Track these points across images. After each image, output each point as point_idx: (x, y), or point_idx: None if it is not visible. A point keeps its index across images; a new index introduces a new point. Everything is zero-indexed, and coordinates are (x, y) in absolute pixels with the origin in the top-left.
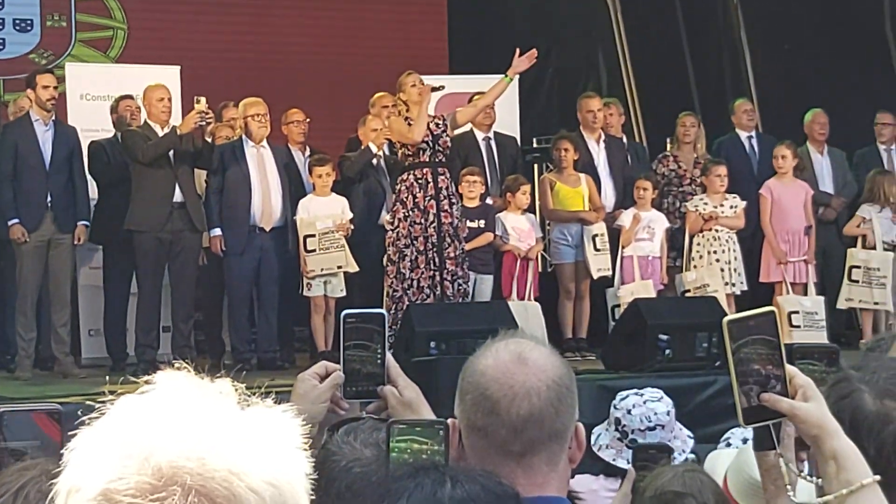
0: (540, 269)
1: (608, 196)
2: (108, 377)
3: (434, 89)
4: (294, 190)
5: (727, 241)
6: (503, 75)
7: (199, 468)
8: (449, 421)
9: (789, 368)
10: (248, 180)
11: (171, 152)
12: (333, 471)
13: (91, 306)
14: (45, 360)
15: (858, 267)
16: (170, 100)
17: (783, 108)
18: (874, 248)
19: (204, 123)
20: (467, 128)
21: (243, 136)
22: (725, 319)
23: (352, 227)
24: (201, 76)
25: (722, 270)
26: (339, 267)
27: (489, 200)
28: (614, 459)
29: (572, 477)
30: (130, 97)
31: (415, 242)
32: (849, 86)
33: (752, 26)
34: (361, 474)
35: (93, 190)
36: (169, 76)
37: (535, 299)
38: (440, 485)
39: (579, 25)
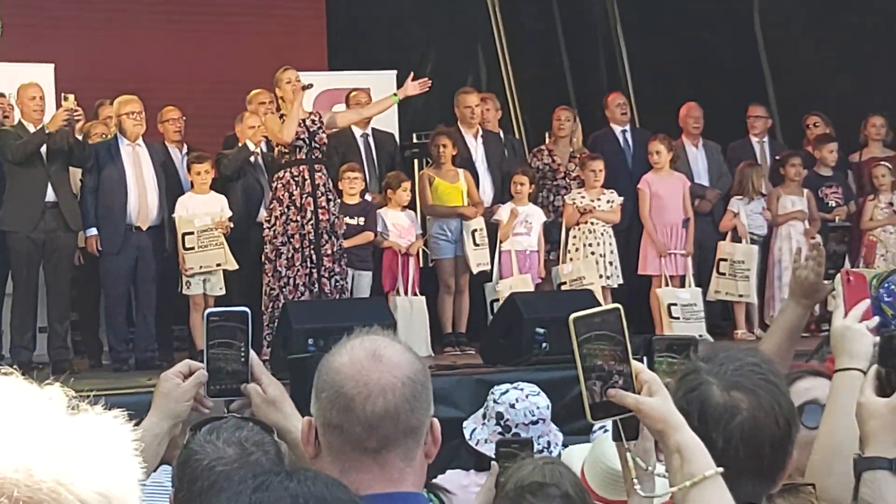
0: (421, 265)
1: (486, 191)
2: None
3: (304, 88)
4: (171, 188)
5: (602, 234)
6: (392, 94)
7: (26, 479)
8: (305, 419)
9: (634, 364)
10: (124, 179)
11: (43, 151)
12: (196, 470)
13: None
14: None
15: (725, 260)
16: (42, 98)
17: (658, 102)
18: (740, 241)
19: (73, 121)
20: None
21: (118, 135)
22: (571, 316)
23: (231, 224)
24: (76, 74)
25: (597, 263)
26: (218, 265)
27: (368, 197)
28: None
29: (444, 472)
30: (2, 95)
31: (291, 240)
32: (721, 79)
33: (627, 21)
34: (224, 473)
35: None
36: (43, 74)
37: (416, 294)
38: (288, 480)
39: (458, 21)
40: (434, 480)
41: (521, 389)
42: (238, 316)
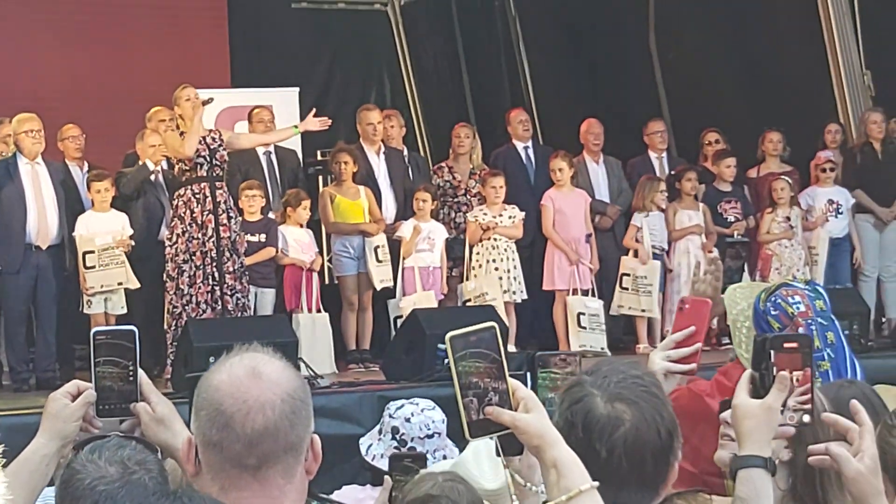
0: (326, 282)
1: (389, 207)
2: None
3: (204, 102)
4: (72, 206)
5: (505, 250)
6: (293, 125)
7: None
8: (185, 437)
9: (510, 381)
10: (23, 198)
11: None
12: (78, 489)
13: None
14: None
15: (628, 275)
16: None
17: (560, 119)
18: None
19: None
20: None
21: (17, 153)
22: (448, 335)
23: (132, 243)
24: None
25: (500, 279)
26: (120, 283)
27: (271, 214)
28: None
29: (339, 488)
30: None
31: (193, 258)
32: (620, 96)
33: (529, 38)
34: (106, 493)
35: None
36: None
37: (318, 311)
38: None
39: (362, 38)
40: (329, 496)
41: (417, 404)
42: (125, 334)
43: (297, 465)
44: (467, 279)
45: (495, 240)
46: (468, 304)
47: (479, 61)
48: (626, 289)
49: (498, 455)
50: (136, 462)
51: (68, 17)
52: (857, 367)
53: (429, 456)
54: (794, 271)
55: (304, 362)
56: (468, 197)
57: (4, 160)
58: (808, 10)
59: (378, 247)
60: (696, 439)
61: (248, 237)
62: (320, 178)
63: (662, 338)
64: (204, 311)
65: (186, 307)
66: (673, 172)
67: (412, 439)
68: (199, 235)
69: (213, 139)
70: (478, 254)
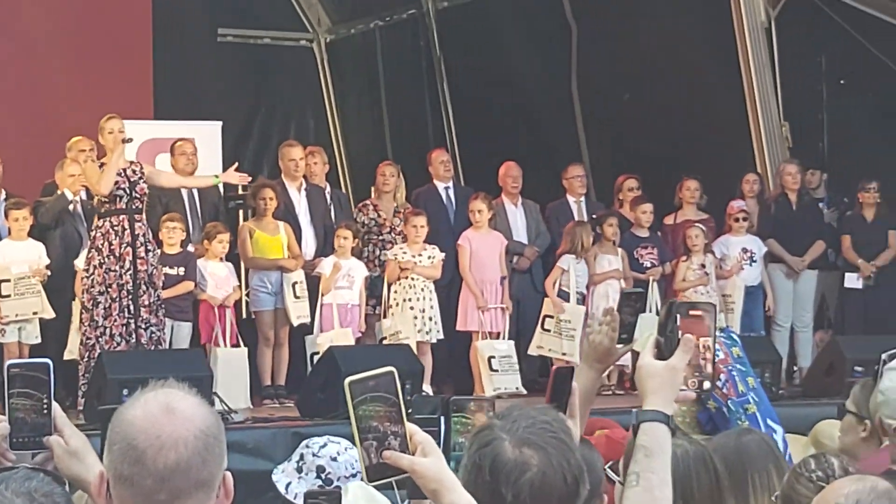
0: (244, 315)
1: (308, 244)
2: None
3: (124, 141)
4: None
5: (423, 289)
6: (214, 175)
7: None
8: (98, 471)
9: (409, 425)
10: None
11: None
12: None
13: None
14: None
15: (552, 317)
16: None
17: (482, 160)
18: (567, 299)
19: None
20: None
21: None
22: (347, 380)
23: (48, 272)
24: None
25: (416, 318)
26: (35, 313)
27: (190, 247)
28: None
29: None
30: None
31: (109, 290)
32: (540, 140)
33: (453, 79)
34: None
35: None
36: None
37: (236, 346)
38: None
39: (287, 74)
40: None
41: (339, 443)
42: (40, 367)
43: (208, 501)
44: (384, 317)
45: (413, 279)
46: (384, 342)
47: (402, 100)
48: (549, 330)
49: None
50: (43, 494)
51: None
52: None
53: None
54: None
55: (219, 397)
56: (393, 235)
57: None
58: (728, 61)
59: (296, 283)
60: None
61: (167, 270)
62: (241, 212)
63: None
64: (118, 344)
65: (100, 339)
66: (594, 217)
67: (338, 479)
68: (116, 268)
69: (134, 171)
70: (395, 292)
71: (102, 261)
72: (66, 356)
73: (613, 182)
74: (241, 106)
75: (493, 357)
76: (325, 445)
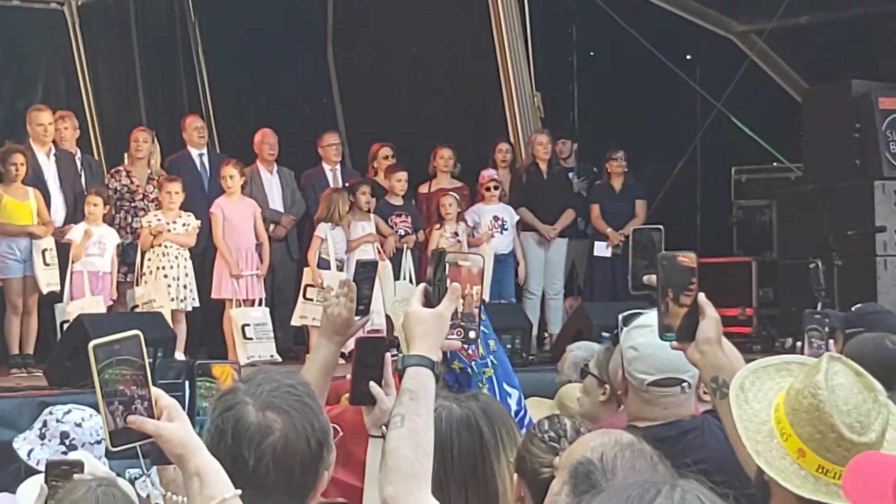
0: None
1: (58, 210)
2: None
3: None
4: None
5: (176, 257)
6: None
7: None
8: None
9: (154, 390)
10: None
11: None
12: None
13: None
14: None
15: (313, 285)
16: None
17: (237, 127)
18: (328, 267)
19: None
20: None
21: None
22: (91, 343)
23: None
24: None
25: (170, 286)
26: None
27: None
28: None
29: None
30: None
31: None
32: (296, 108)
33: (208, 45)
34: None
35: None
36: None
37: None
38: None
39: (37, 37)
40: None
41: (84, 409)
42: None
43: None
44: (137, 285)
45: (167, 247)
46: (137, 310)
47: (156, 66)
48: (311, 300)
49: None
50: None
51: None
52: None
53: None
54: None
55: None
56: (146, 202)
57: None
58: (482, 32)
59: (46, 250)
60: (362, 453)
61: None
62: None
63: None
64: None
65: None
66: (347, 185)
67: (83, 445)
68: None
69: None
70: (149, 260)
71: None
72: None
73: (368, 150)
74: None
75: (248, 325)
76: (69, 412)
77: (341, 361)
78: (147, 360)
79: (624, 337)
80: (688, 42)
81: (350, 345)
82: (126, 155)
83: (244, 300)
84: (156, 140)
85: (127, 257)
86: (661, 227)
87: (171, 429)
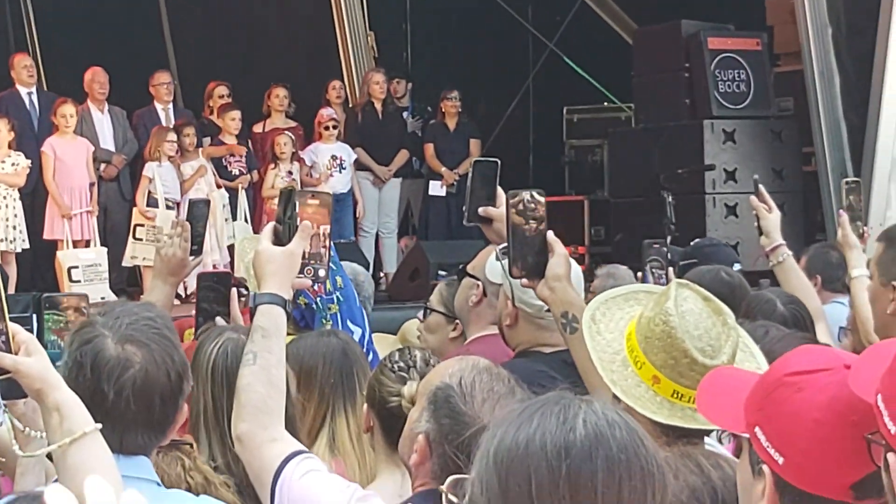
0: None
1: None
2: None
3: None
4: None
5: (5, 197)
6: None
7: None
8: None
9: (11, 325)
10: None
11: None
12: None
13: None
14: None
15: (142, 225)
16: None
17: (65, 65)
18: (157, 205)
19: None
20: None
21: None
22: None
23: None
24: None
25: None
26: None
27: None
28: None
29: None
30: None
31: None
32: (128, 46)
33: None
34: None
35: None
36: None
37: None
38: None
39: None
40: None
41: None
42: None
43: None
44: None
45: None
46: None
47: None
48: (140, 239)
49: (5, 398)
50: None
51: None
52: (363, 312)
53: None
54: None
55: None
56: None
57: None
58: None
59: None
60: None
61: None
62: None
63: None
64: None
65: None
66: (172, 126)
67: None
68: None
69: None
70: None
71: None
72: None
73: (202, 90)
74: None
75: (75, 267)
76: None
77: (176, 302)
78: (4, 295)
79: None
80: None
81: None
82: None
83: (77, 241)
84: None
85: None
86: (498, 160)
87: (28, 363)
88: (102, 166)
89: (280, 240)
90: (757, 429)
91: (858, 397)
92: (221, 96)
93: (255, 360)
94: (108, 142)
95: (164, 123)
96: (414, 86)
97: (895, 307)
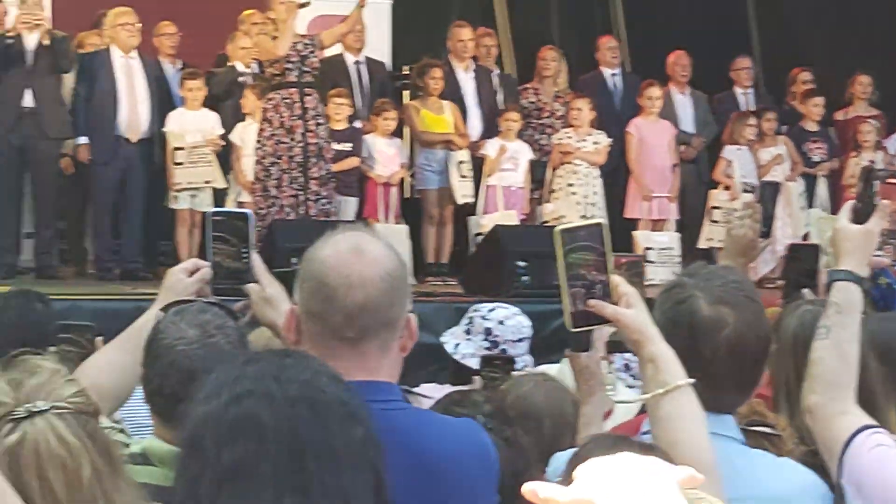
0: (407, 195)
1: (474, 126)
2: None
3: (300, 6)
4: (162, 102)
5: (586, 175)
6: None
7: None
8: (288, 307)
9: (613, 277)
10: (115, 90)
11: (29, 57)
12: (159, 348)
13: None
14: None
15: (719, 208)
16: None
17: (648, 49)
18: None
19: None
20: (337, 50)
21: (111, 46)
22: (557, 228)
23: (222, 143)
24: None
25: (578, 204)
26: (207, 182)
27: (357, 124)
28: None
29: (417, 385)
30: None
31: (279, 161)
32: (709, 30)
33: None
34: (184, 353)
35: None
36: None
37: (396, 223)
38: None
39: None
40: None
41: (507, 308)
42: (240, 216)
43: (392, 340)
44: (547, 202)
45: (576, 164)
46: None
47: None
48: (717, 222)
49: (574, 350)
50: (216, 326)
51: None
52: None
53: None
54: None
55: None
56: (552, 119)
57: (98, 51)
58: None
59: (461, 162)
60: None
61: (335, 145)
62: (405, 92)
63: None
64: (288, 215)
65: (271, 209)
66: (753, 111)
67: (504, 341)
68: (287, 140)
69: (305, 45)
70: (559, 177)
71: (273, 133)
72: None
73: (785, 75)
74: None
75: (651, 249)
76: (493, 309)
77: None
78: (608, 248)
79: None
80: None
81: None
82: (534, 73)
83: (655, 220)
84: (563, 58)
85: (534, 174)
86: None
87: (629, 315)
88: (682, 148)
89: (858, 218)
90: None
91: None
92: (805, 82)
93: (828, 334)
94: (687, 124)
95: (743, 108)
96: None
97: None
